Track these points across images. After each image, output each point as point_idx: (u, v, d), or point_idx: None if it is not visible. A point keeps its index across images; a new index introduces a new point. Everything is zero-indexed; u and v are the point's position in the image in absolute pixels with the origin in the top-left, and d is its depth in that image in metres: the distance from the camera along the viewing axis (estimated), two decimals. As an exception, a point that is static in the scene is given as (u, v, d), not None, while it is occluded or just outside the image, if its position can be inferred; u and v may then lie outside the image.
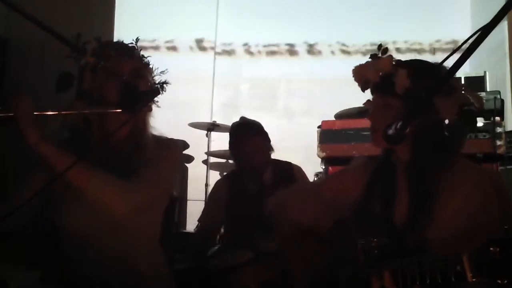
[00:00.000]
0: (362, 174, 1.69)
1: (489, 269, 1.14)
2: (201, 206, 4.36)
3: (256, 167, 2.88)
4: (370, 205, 1.61)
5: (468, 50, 1.19)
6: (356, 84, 1.66)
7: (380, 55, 1.62)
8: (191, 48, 5.90)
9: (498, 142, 3.05)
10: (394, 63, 1.56)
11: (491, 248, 1.14)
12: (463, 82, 3.79)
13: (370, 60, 1.64)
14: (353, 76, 1.66)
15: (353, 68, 1.66)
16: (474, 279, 1.16)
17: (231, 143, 3.01)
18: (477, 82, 3.81)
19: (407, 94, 1.50)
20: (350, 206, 1.66)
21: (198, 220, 3.02)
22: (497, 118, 3.12)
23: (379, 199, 1.60)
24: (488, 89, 3.81)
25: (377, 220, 1.56)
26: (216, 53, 5.91)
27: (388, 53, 1.61)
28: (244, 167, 2.94)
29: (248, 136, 2.89)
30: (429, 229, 1.45)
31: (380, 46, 1.63)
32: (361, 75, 1.63)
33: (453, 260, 1.20)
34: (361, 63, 1.65)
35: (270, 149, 2.96)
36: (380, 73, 1.56)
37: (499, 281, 1.13)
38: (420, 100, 1.39)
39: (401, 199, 1.56)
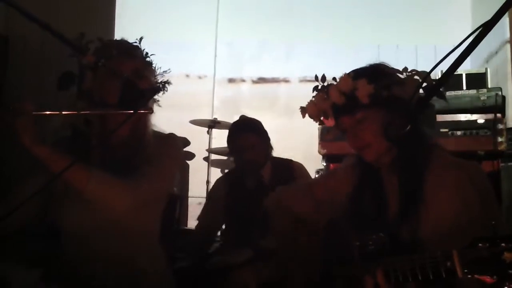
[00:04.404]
0: (352, 173, 1.70)
1: (479, 265, 1.15)
2: (202, 202, 4.38)
3: (251, 164, 2.88)
4: (361, 205, 1.61)
5: (469, 47, 1.19)
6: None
7: (321, 83, 1.61)
8: (192, 45, 5.89)
9: (499, 139, 3.06)
10: (352, 78, 1.53)
11: (480, 244, 1.15)
12: (464, 78, 3.80)
13: (316, 93, 1.62)
14: (309, 113, 1.63)
15: (306, 106, 1.63)
16: (464, 275, 1.17)
17: (227, 140, 3.02)
18: (478, 79, 3.80)
19: (374, 99, 1.49)
20: (342, 205, 1.67)
21: (197, 219, 3.02)
22: (498, 115, 3.12)
23: (369, 200, 1.60)
24: (489, 86, 3.80)
25: (369, 220, 1.57)
26: (217, 50, 5.90)
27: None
28: (240, 164, 2.94)
29: (242, 132, 2.90)
30: (420, 227, 1.46)
31: (316, 77, 1.62)
32: (319, 107, 1.60)
33: (443, 256, 1.21)
34: (311, 100, 1.62)
35: (267, 147, 2.95)
36: (344, 93, 1.53)
37: (489, 276, 1.13)
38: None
39: (390, 199, 1.57)
